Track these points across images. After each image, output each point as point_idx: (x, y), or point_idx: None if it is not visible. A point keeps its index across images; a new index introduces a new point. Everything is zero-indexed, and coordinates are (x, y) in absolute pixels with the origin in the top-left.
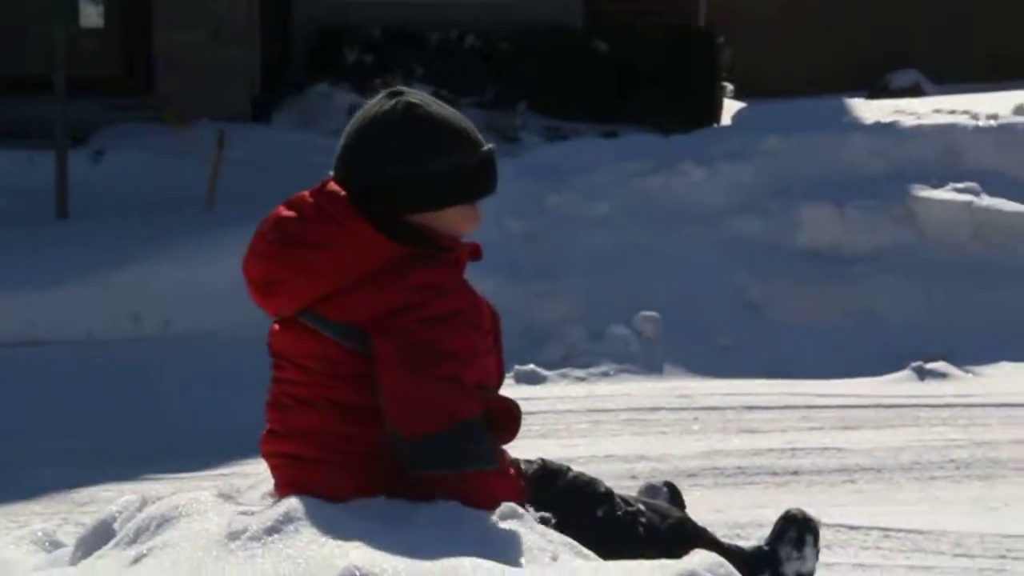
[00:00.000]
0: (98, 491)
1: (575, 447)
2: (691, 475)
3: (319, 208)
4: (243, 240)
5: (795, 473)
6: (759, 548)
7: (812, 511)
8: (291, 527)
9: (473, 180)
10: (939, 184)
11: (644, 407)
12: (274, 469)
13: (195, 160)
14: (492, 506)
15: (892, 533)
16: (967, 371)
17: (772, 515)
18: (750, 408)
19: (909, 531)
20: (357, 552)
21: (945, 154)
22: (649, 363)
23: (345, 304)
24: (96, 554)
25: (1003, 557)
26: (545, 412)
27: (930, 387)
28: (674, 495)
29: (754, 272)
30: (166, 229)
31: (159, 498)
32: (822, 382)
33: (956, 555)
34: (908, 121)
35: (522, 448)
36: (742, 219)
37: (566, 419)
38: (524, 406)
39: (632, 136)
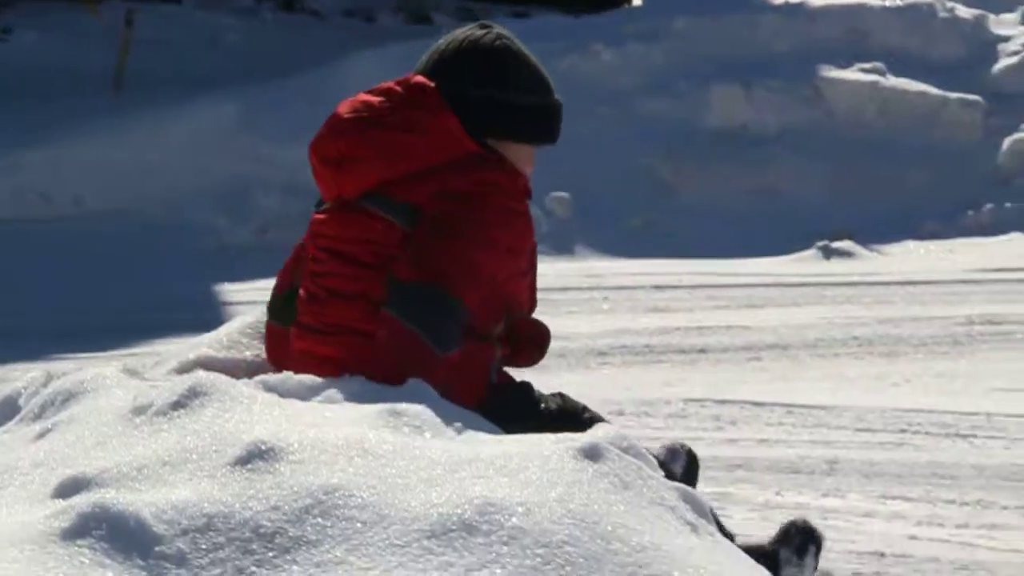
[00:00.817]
0: (5, 371)
1: None
2: (600, 353)
3: (410, 96)
4: (152, 120)
5: (702, 351)
6: (761, 546)
7: (817, 524)
8: (196, 402)
9: (548, 125)
10: (846, 64)
11: (554, 287)
12: (298, 369)
13: (105, 40)
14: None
15: (796, 409)
16: (872, 249)
17: (679, 393)
18: (659, 288)
19: (812, 407)
20: (262, 426)
21: (852, 34)
22: (560, 243)
23: (412, 187)
24: (0, 429)
25: (903, 431)
26: None
27: (835, 265)
28: (691, 461)
29: (664, 153)
30: (75, 109)
31: (64, 374)
32: (729, 261)
33: (858, 430)
34: (816, 2)
35: None
36: (652, 100)
37: None
38: None
39: (543, 17)
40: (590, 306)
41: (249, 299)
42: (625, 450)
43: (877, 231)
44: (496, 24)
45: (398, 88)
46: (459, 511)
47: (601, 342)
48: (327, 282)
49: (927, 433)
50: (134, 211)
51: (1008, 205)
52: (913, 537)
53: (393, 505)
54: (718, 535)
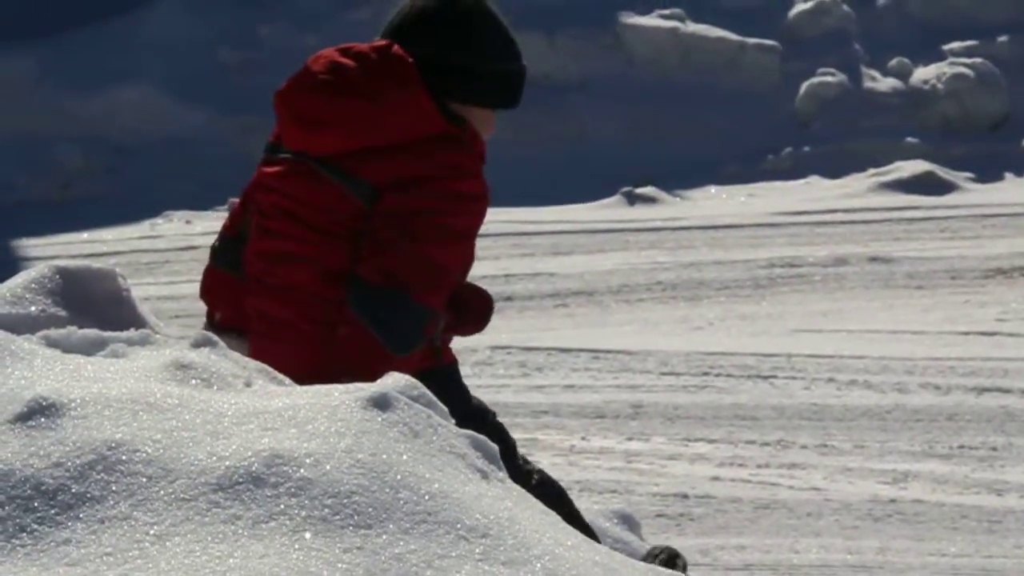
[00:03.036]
0: None
1: None
2: None
3: (385, 65)
4: None
5: (509, 299)
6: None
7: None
8: None
9: (513, 91)
10: (646, 11)
11: None
12: (252, 336)
13: None
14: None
15: (601, 354)
16: (675, 195)
17: (486, 340)
18: None
19: (618, 352)
20: (44, 382)
21: None
22: None
23: (372, 163)
24: None
25: (706, 374)
26: None
27: (639, 211)
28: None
29: None
30: None
31: None
32: (535, 209)
33: (662, 373)
34: None
35: None
36: None
37: None
38: None
39: None
40: None
41: (50, 254)
42: (415, 399)
43: (679, 176)
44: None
45: (372, 54)
46: (246, 463)
47: None
48: (277, 243)
49: (729, 375)
50: None
51: (806, 149)
52: (716, 478)
53: (179, 459)
54: (508, 481)
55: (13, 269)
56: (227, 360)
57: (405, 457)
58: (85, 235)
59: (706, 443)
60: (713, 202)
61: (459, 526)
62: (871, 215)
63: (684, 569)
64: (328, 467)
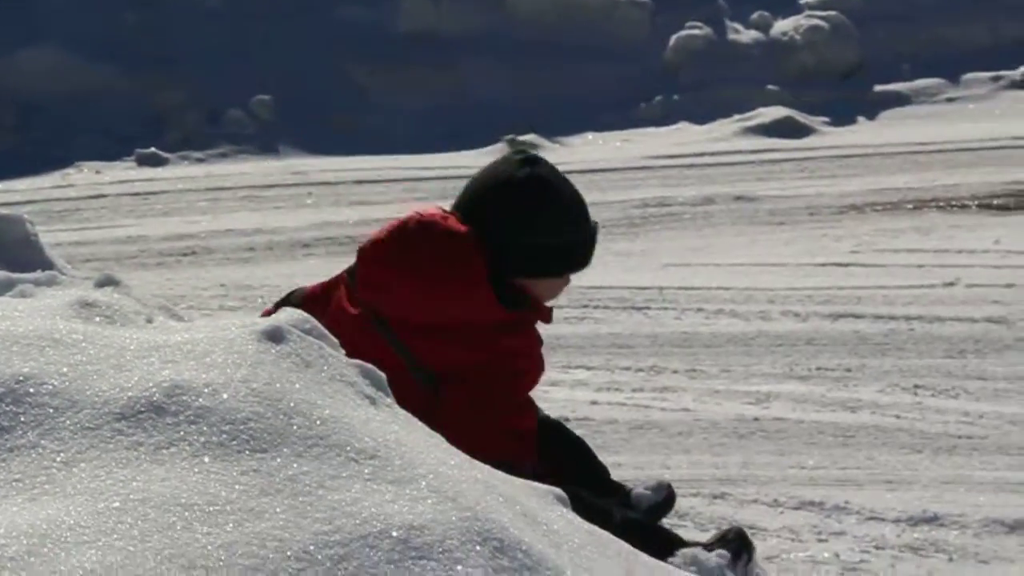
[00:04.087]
0: None
1: (197, 223)
2: (305, 245)
3: (454, 260)
4: None
5: None
6: (699, 543)
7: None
8: None
9: (580, 256)
10: None
11: (260, 184)
12: None
13: None
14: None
15: None
16: (555, 141)
17: None
18: (359, 182)
19: None
20: None
21: None
22: (265, 144)
23: (430, 343)
24: None
25: (585, 306)
26: (167, 192)
27: None
28: (667, 502)
29: (360, 57)
30: None
31: None
32: (425, 156)
33: None
34: None
35: (150, 226)
36: (348, 7)
37: (187, 198)
38: (147, 187)
39: None
40: (295, 201)
41: None
42: (307, 332)
43: (558, 124)
44: (539, 156)
45: (446, 241)
46: (147, 394)
47: (306, 234)
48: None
49: (606, 307)
50: None
51: (676, 97)
52: (594, 402)
53: (84, 391)
54: (395, 406)
55: None
56: (129, 299)
57: (298, 386)
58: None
59: (585, 370)
60: (590, 148)
61: (349, 449)
62: (736, 157)
63: (749, 549)
64: (225, 396)
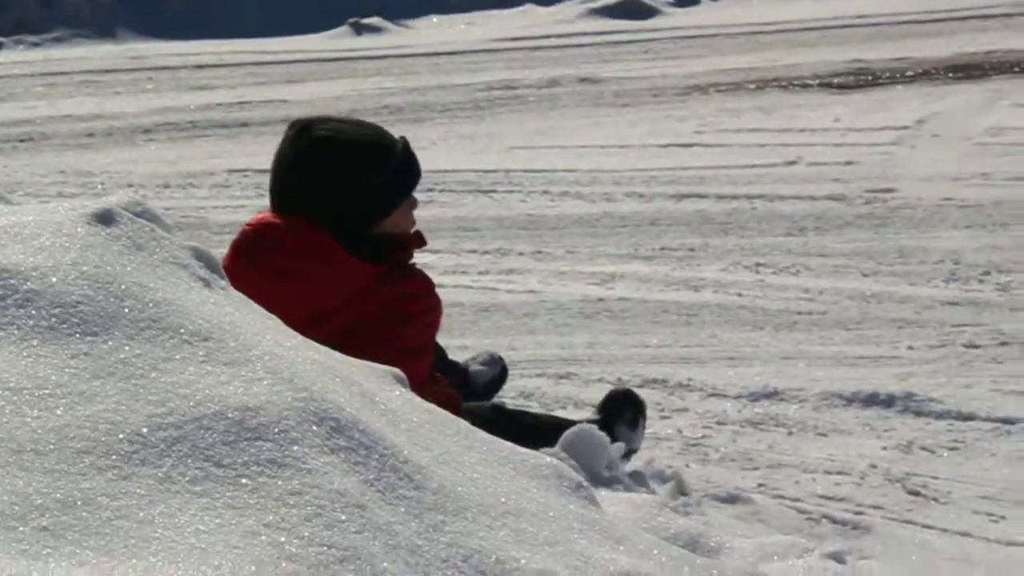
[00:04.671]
0: None
1: (33, 109)
2: (145, 131)
3: (308, 247)
4: None
5: (244, 125)
6: (593, 420)
7: (638, 393)
8: None
9: (405, 176)
10: None
11: (98, 69)
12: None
13: None
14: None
15: None
16: (400, 24)
17: (223, 164)
18: (201, 67)
19: None
20: None
21: None
22: (103, 28)
23: (324, 326)
24: None
25: (431, 190)
26: (2, 77)
27: (366, 41)
28: (502, 374)
29: None
30: None
31: None
32: (267, 40)
33: None
34: None
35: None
36: None
37: (23, 83)
38: None
39: None
40: (135, 86)
41: None
42: (139, 214)
43: (404, 7)
44: (309, 118)
45: (288, 234)
46: None
47: (146, 120)
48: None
49: (452, 191)
50: None
51: None
52: (439, 285)
53: None
54: (231, 289)
55: None
56: None
57: (129, 268)
58: None
59: (430, 253)
60: (435, 30)
61: (182, 331)
62: (581, 39)
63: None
64: (54, 279)
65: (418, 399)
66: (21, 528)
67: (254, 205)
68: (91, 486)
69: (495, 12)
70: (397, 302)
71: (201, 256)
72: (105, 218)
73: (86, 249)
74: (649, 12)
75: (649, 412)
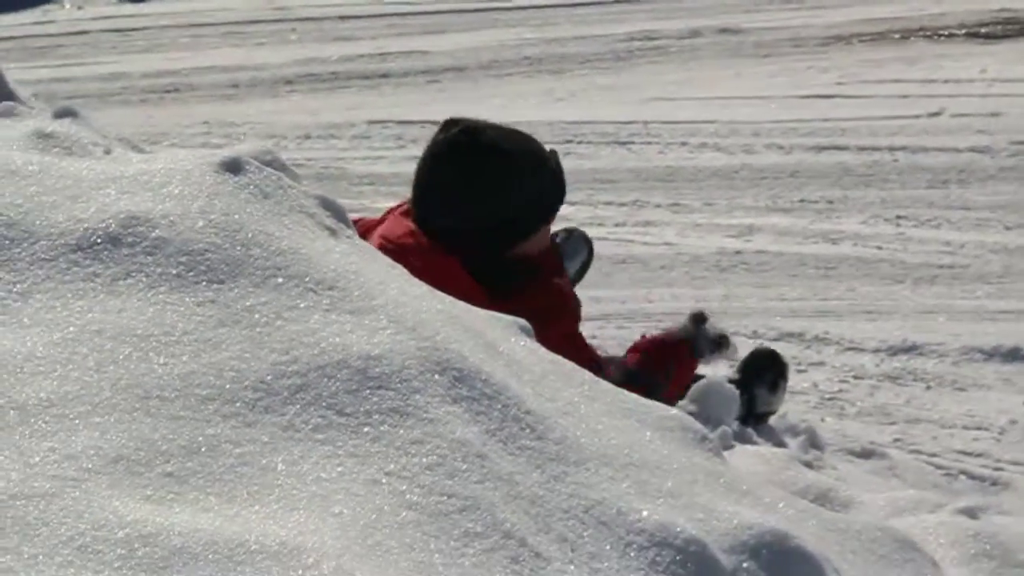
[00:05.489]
0: None
1: (178, 60)
2: (288, 82)
3: (434, 273)
4: None
5: (384, 76)
6: (733, 380)
7: (783, 356)
8: None
9: (553, 197)
10: None
11: (243, 20)
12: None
13: None
14: None
15: None
16: None
17: (363, 115)
18: (344, 18)
19: None
20: None
21: None
22: None
23: None
24: None
25: (568, 141)
26: (149, 28)
27: None
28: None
29: None
30: None
31: None
32: None
33: None
34: None
35: (131, 62)
36: None
37: (169, 34)
38: (129, 23)
39: None
40: (279, 37)
41: None
42: (268, 163)
43: None
44: (468, 120)
45: (421, 261)
46: (104, 225)
47: (289, 71)
48: None
49: (590, 142)
50: None
51: None
52: None
53: (39, 222)
54: (356, 238)
55: None
56: (88, 130)
57: (256, 217)
58: None
59: (567, 206)
60: None
61: (307, 279)
62: None
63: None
64: (182, 227)
65: (543, 350)
66: (147, 474)
67: (393, 156)
68: (215, 433)
69: None
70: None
71: (328, 205)
72: (233, 166)
73: (214, 197)
74: None
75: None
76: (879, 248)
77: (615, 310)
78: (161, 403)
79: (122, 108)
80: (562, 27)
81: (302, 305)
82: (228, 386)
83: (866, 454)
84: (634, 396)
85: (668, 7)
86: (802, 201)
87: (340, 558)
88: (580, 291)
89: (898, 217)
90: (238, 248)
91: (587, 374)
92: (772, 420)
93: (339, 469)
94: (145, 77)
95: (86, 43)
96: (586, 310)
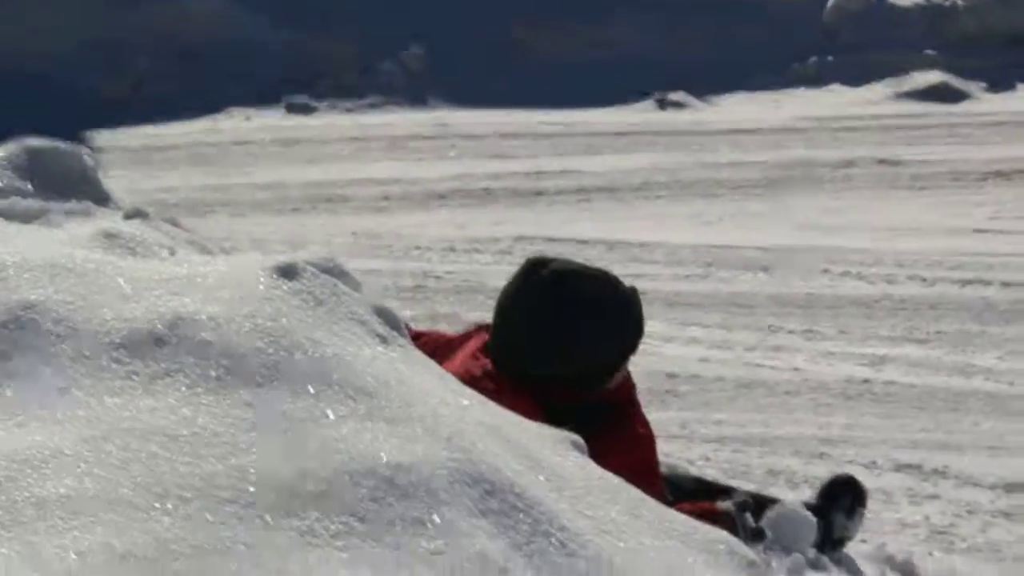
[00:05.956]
0: None
1: (337, 172)
2: (440, 196)
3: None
4: None
5: (538, 194)
6: (811, 505)
7: (862, 480)
8: None
9: (636, 337)
10: None
11: (405, 135)
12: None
13: None
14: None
15: (616, 245)
16: (704, 101)
17: (510, 231)
18: (504, 136)
19: (630, 243)
20: None
21: None
22: (414, 96)
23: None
24: None
25: (710, 264)
26: (313, 140)
27: (668, 116)
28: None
29: (517, 10)
30: None
31: None
32: (571, 112)
33: (669, 263)
34: None
35: (291, 172)
36: None
37: (332, 147)
38: (294, 134)
39: None
40: (437, 153)
41: (122, 145)
42: (327, 270)
43: (711, 83)
44: (552, 260)
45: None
46: (149, 325)
47: (442, 185)
48: None
49: (732, 267)
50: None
51: (831, 58)
52: (704, 359)
53: (88, 320)
54: (409, 346)
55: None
56: (157, 232)
57: (305, 323)
58: (151, 129)
59: (701, 327)
60: (740, 107)
61: (348, 386)
62: (885, 121)
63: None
64: (228, 330)
65: (592, 465)
66: (153, 572)
67: None
68: (231, 535)
69: (801, 91)
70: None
71: (381, 312)
72: (288, 272)
73: (264, 301)
74: (960, 96)
75: (898, 498)
76: (1011, 384)
77: (732, 434)
78: (179, 503)
79: (274, 216)
80: (720, 152)
81: (338, 412)
82: (251, 489)
83: None
84: (683, 517)
85: (828, 137)
86: (938, 333)
87: None
88: (701, 414)
89: None
90: (282, 353)
91: (635, 491)
92: (869, 551)
93: None
94: (300, 187)
95: (249, 153)
96: (704, 432)
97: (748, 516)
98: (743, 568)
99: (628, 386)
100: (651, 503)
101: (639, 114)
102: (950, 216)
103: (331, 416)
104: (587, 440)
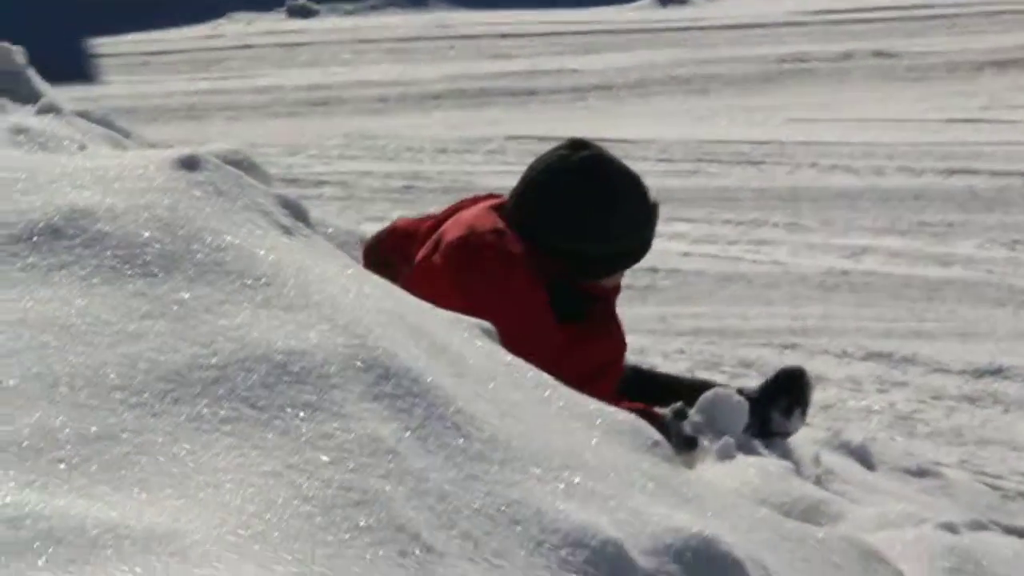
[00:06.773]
0: None
1: (335, 75)
2: (436, 97)
3: (510, 294)
4: None
5: (532, 93)
6: (748, 394)
7: (810, 376)
8: None
9: (642, 254)
10: None
11: (405, 37)
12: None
13: None
14: None
15: (607, 143)
16: None
17: (503, 131)
18: (504, 36)
19: (622, 140)
20: None
21: None
22: None
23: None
24: None
25: (700, 160)
26: (313, 44)
27: (669, 12)
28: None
29: None
30: None
31: None
32: (570, 11)
33: (659, 159)
34: None
35: (290, 76)
36: None
37: (331, 49)
38: (295, 38)
39: None
40: (437, 54)
41: (121, 51)
42: (236, 163)
43: None
44: (595, 149)
45: (499, 267)
46: (47, 217)
47: (439, 86)
48: None
49: (721, 162)
50: None
51: None
52: (686, 254)
53: None
54: (314, 237)
55: (92, 62)
56: (69, 127)
57: (204, 213)
58: (154, 34)
59: (686, 222)
60: (740, 2)
61: (245, 275)
62: (887, 13)
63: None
64: (125, 221)
65: (503, 352)
66: (35, 460)
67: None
68: (116, 422)
69: None
70: (589, 368)
71: (288, 204)
72: (189, 163)
73: (163, 192)
74: None
75: (867, 385)
76: (988, 272)
77: (709, 326)
78: (68, 391)
79: (271, 120)
80: (718, 48)
81: (234, 300)
82: (139, 377)
83: (920, 473)
84: (593, 401)
85: (826, 30)
86: (921, 223)
87: (209, 545)
88: (679, 307)
89: (1014, 242)
90: (178, 243)
91: (544, 376)
92: (826, 437)
93: (239, 460)
94: (298, 90)
95: (250, 57)
96: (680, 325)
97: (684, 424)
98: (647, 448)
99: (615, 293)
100: (561, 389)
101: (640, 11)
102: (942, 107)
103: (226, 304)
104: (566, 323)
